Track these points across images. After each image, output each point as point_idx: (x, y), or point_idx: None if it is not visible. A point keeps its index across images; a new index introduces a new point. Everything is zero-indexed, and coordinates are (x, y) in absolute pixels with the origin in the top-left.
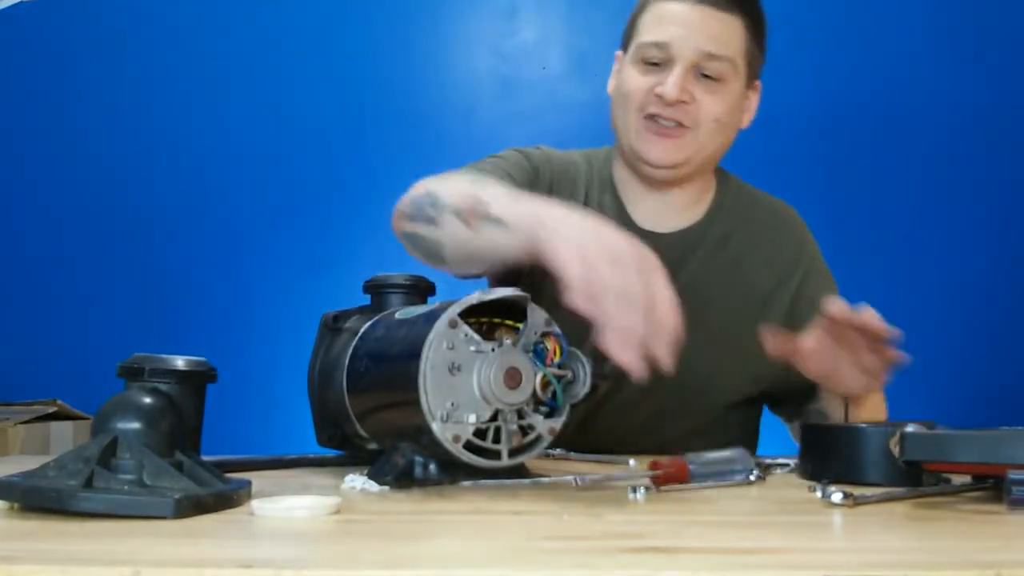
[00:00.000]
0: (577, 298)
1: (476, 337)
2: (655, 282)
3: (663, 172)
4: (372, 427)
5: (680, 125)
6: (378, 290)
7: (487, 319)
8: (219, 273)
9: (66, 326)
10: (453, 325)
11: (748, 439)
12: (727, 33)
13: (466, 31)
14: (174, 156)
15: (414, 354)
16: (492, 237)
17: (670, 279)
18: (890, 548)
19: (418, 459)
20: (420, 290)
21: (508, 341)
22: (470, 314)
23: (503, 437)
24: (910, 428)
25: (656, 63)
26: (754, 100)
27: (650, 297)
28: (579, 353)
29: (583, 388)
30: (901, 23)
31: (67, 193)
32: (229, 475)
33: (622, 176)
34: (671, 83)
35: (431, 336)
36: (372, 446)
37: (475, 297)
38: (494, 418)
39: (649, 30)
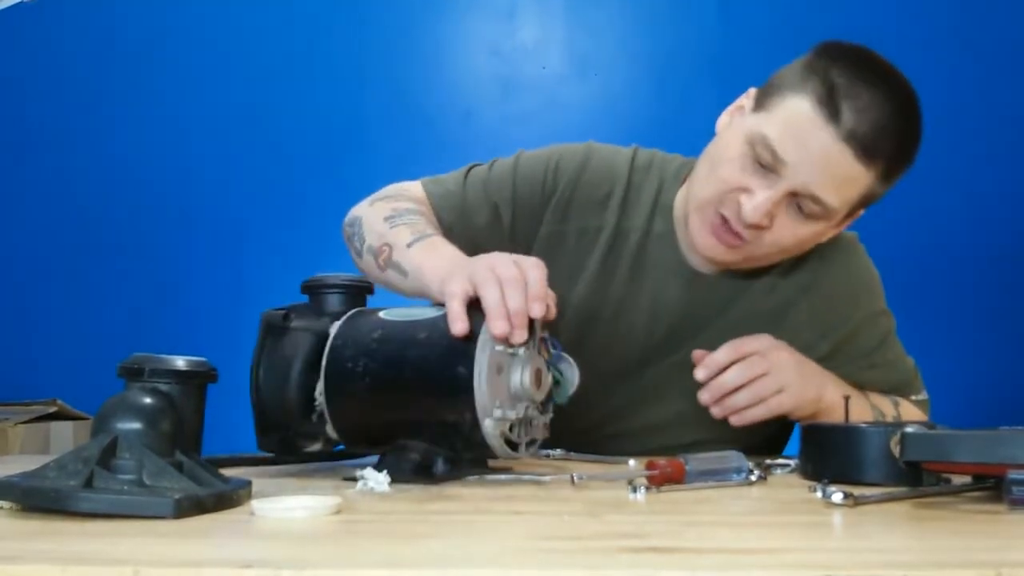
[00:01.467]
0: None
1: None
2: (526, 267)
3: (707, 265)
4: (356, 427)
5: (739, 236)
6: (317, 290)
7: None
8: (219, 273)
9: (66, 326)
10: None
11: (771, 444)
12: (848, 184)
13: (466, 31)
14: (174, 156)
15: (466, 355)
16: (394, 281)
17: (713, 318)
18: (890, 548)
19: (433, 455)
20: (359, 290)
21: (531, 344)
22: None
23: (524, 431)
24: (910, 428)
25: (762, 164)
26: (847, 225)
27: (523, 277)
28: (567, 356)
29: (571, 387)
30: (901, 25)
31: (67, 193)
32: (228, 473)
33: (685, 209)
34: (757, 206)
35: (482, 340)
36: (315, 447)
37: None
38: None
39: (778, 127)
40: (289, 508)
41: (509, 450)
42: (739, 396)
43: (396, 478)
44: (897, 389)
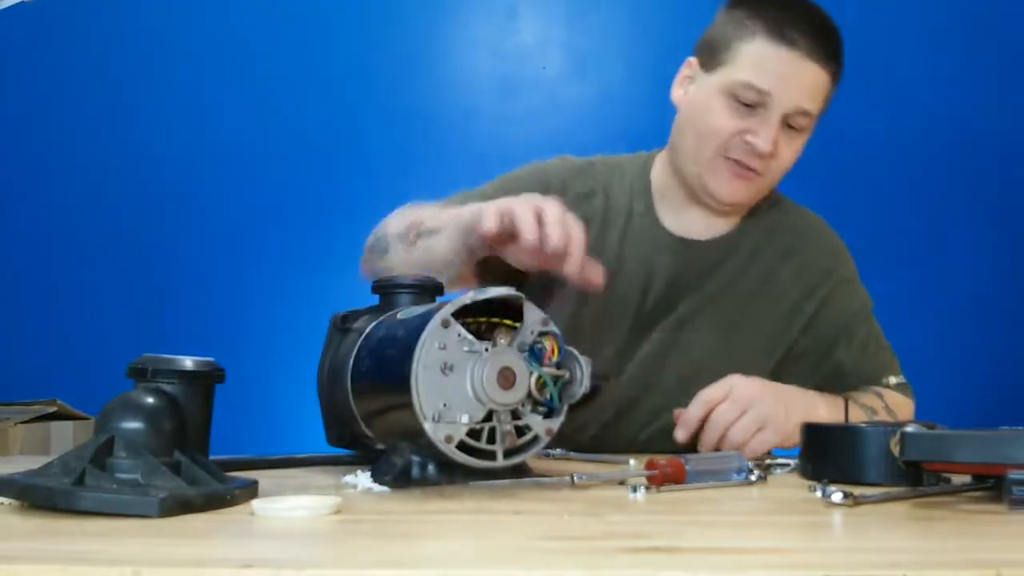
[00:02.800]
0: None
1: (469, 337)
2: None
3: (728, 208)
4: (375, 427)
5: (756, 172)
6: (386, 290)
7: (486, 319)
8: (220, 273)
9: (66, 326)
10: (446, 325)
11: None
12: (819, 89)
13: (466, 31)
14: (175, 156)
15: (407, 354)
16: (428, 245)
17: (701, 283)
18: (890, 548)
19: (417, 459)
20: (428, 289)
21: (503, 341)
22: (468, 314)
23: (497, 437)
24: (910, 428)
25: (748, 104)
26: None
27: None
28: (576, 353)
29: (581, 388)
30: (901, 22)
31: (67, 193)
32: (236, 474)
33: (663, 184)
34: (766, 138)
35: (423, 336)
36: (380, 445)
37: (468, 297)
38: (488, 418)
39: (750, 69)
40: (289, 508)
41: (470, 458)
42: (730, 434)
43: (379, 482)
44: (878, 371)
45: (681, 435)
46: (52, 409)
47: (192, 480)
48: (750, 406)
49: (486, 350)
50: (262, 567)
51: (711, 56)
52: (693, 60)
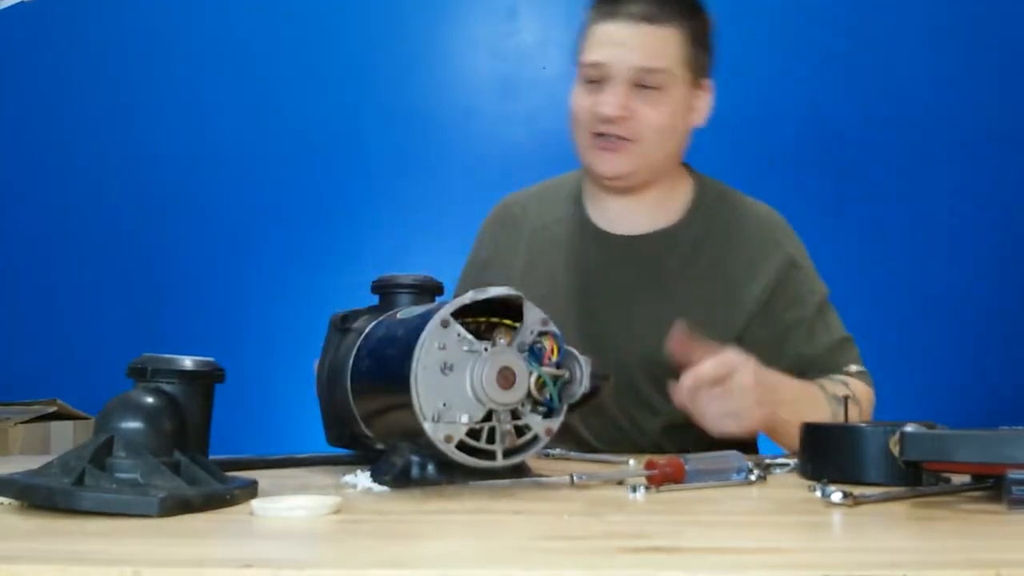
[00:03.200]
0: None
1: (469, 337)
2: None
3: (617, 183)
4: (375, 427)
5: (622, 139)
6: (385, 290)
7: (486, 319)
8: (220, 273)
9: (66, 326)
10: (445, 325)
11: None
12: (662, 46)
13: (466, 31)
14: (174, 156)
15: (407, 354)
16: None
17: (647, 278)
18: (890, 548)
19: (416, 459)
20: (428, 290)
21: (503, 341)
22: (468, 314)
23: (497, 437)
24: (910, 428)
25: (596, 81)
26: (704, 99)
27: None
28: (576, 353)
29: (580, 388)
30: (900, 26)
31: (67, 193)
32: (236, 474)
33: (590, 186)
34: (608, 101)
35: (423, 336)
36: (380, 445)
37: (468, 297)
38: (488, 418)
39: (588, 51)
40: (289, 508)
41: (470, 457)
42: (704, 403)
43: (379, 482)
44: (839, 360)
45: (682, 389)
46: (52, 409)
47: (192, 480)
48: (735, 394)
49: (486, 350)
50: (262, 567)
51: (576, 58)
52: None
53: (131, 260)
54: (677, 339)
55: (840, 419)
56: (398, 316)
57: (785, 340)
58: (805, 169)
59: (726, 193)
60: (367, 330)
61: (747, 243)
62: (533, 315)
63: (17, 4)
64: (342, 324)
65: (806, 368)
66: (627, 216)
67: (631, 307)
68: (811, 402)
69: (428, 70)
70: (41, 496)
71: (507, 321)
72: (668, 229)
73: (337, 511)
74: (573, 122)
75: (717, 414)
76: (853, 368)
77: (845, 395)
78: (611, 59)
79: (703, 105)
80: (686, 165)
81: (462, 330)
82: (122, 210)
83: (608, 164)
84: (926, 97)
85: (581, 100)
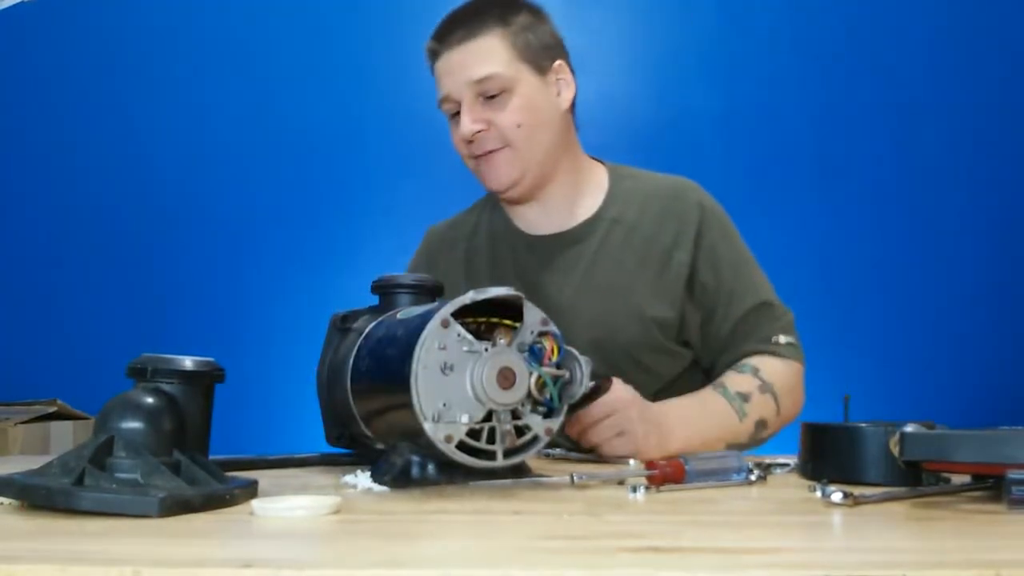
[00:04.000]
0: None
1: (469, 337)
2: None
3: (512, 193)
4: (375, 427)
5: (491, 151)
6: (385, 290)
7: (486, 319)
8: (219, 273)
9: (66, 326)
10: (445, 325)
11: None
12: (487, 53)
13: None
14: (174, 156)
15: (407, 354)
16: None
17: (579, 271)
18: (890, 548)
19: (416, 459)
20: (428, 290)
21: (503, 341)
22: (468, 314)
23: (497, 437)
24: (910, 428)
25: (456, 113)
26: (565, 78)
27: None
28: (576, 353)
29: (580, 388)
30: (900, 25)
31: (67, 193)
32: (236, 474)
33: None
34: (463, 124)
35: (423, 336)
36: (379, 445)
37: (468, 297)
38: (488, 418)
39: (438, 89)
40: (289, 508)
41: (470, 458)
42: (590, 432)
43: (379, 482)
44: (764, 332)
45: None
46: (52, 409)
47: (192, 480)
48: (615, 412)
49: (486, 350)
50: (262, 567)
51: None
52: None
53: (131, 260)
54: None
55: (746, 415)
56: (398, 316)
57: (710, 317)
58: (804, 169)
59: (636, 174)
60: (367, 330)
61: (663, 212)
62: (533, 315)
63: (17, 4)
64: (342, 324)
65: (728, 339)
66: (547, 218)
67: (568, 299)
68: (706, 410)
69: (427, 70)
70: (41, 496)
71: (507, 321)
72: (587, 220)
73: (337, 511)
74: (462, 159)
75: (606, 437)
76: (782, 339)
77: (846, 396)
78: (449, 89)
79: (564, 86)
80: (597, 159)
81: (462, 330)
82: (122, 210)
83: (492, 178)
84: (927, 97)
85: (453, 134)
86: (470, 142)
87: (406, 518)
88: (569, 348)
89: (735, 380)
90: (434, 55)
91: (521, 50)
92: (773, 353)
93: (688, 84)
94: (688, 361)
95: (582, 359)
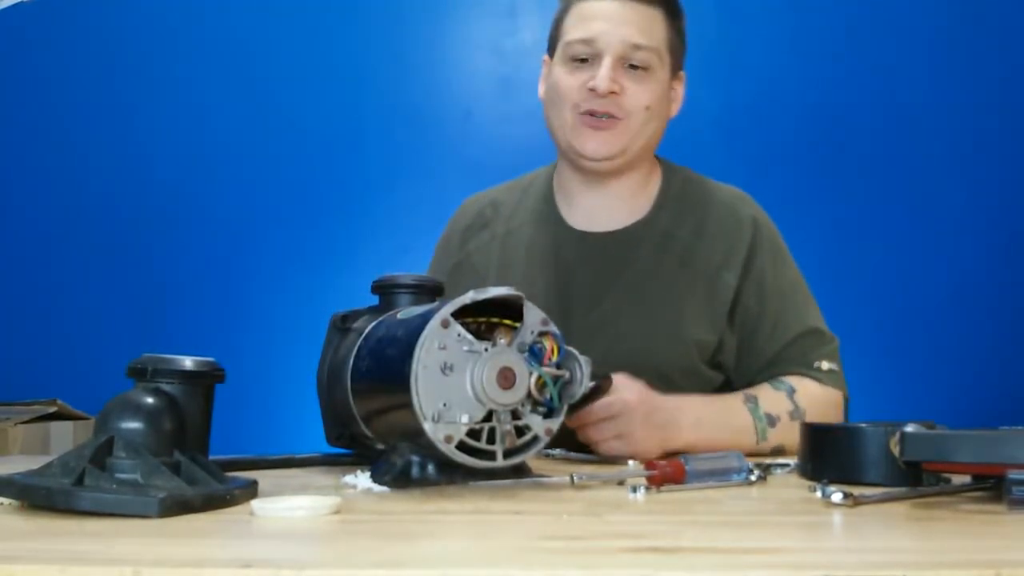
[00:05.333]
0: None
1: (469, 337)
2: None
3: (602, 164)
4: (375, 427)
5: (612, 117)
6: (385, 290)
7: (486, 319)
8: (220, 273)
9: (66, 326)
10: (445, 325)
11: None
12: (650, 24)
13: (466, 31)
14: (174, 156)
15: (407, 354)
16: None
17: (621, 276)
18: (890, 548)
19: (416, 459)
20: (428, 290)
21: (503, 341)
22: (468, 314)
23: (497, 437)
24: (910, 428)
25: (584, 59)
26: (680, 90)
27: None
28: (576, 353)
29: (581, 388)
30: (900, 24)
31: (67, 193)
32: (236, 474)
33: (563, 181)
34: (602, 76)
35: (423, 336)
36: (380, 446)
37: (468, 297)
38: (488, 418)
39: (575, 28)
40: (289, 508)
41: (470, 458)
42: (591, 431)
43: (379, 482)
44: (804, 355)
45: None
46: (52, 409)
47: (192, 480)
48: (618, 415)
49: (486, 350)
50: (262, 567)
51: (552, 43)
52: (546, 56)
53: (131, 260)
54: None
55: (766, 440)
56: (398, 316)
57: (754, 333)
58: (805, 168)
59: (692, 180)
60: (367, 330)
61: (717, 229)
62: (533, 315)
63: (17, 4)
64: (342, 324)
65: (768, 364)
66: (599, 212)
67: (607, 307)
68: (725, 421)
69: (428, 70)
70: (41, 496)
71: (507, 321)
72: (638, 223)
73: (337, 511)
74: (555, 104)
75: (604, 438)
76: (825, 365)
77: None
78: (602, 34)
79: (679, 96)
80: (655, 155)
81: (462, 330)
82: (122, 210)
83: (598, 143)
84: (927, 96)
85: (566, 79)
86: (599, 96)
87: (406, 518)
88: (569, 348)
89: (769, 397)
90: None
91: (673, 42)
92: (815, 379)
93: (688, 84)
94: (717, 384)
95: (582, 359)
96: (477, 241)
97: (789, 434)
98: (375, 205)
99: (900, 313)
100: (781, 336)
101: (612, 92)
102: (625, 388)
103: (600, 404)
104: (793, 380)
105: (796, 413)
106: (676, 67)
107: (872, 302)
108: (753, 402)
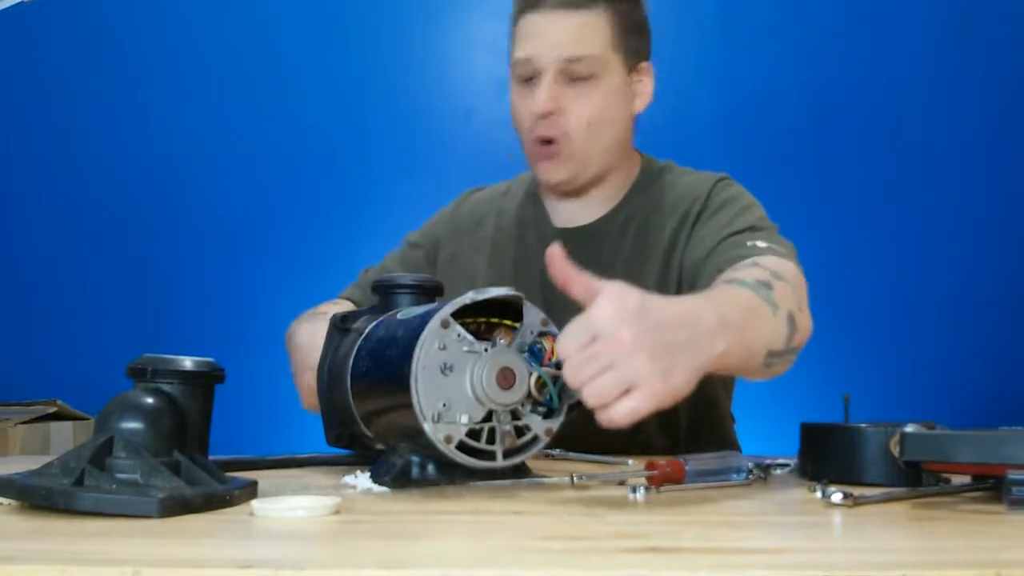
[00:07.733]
0: None
1: (469, 337)
2: None
3: (561, 187)
4: (375, 427)
5: (552, 142)
6: (385, 290)
7: (485, 319)
8: (220, 273)
9: (66, 326)
10: (445, 325)
11: (707, 416)
12: (588, 31)
13: (466, 31)
14: (174, 156)
15: (407, 354)
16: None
17: (599, 264)
18: (890, 548)
19: (416, 459)
20: (427, 290)
21: (502, 341)
22: (468, 314)
23: (497, 438)
24: (910, 428)
25: (530, 78)
26: (647, 82)
27: None
28: None
29: None
30: (900, 24)
31: (67, 193)
32: (236, 474)
33: (544, 188)
34: (539, 97)
35: (423, 336)
36: (380, 446)
37: (468, 297)
38: (488, 418)
39: (517, 47)
40: (289, 508)
41: (470, 458)
42: (587, 398)
43: (379, 483)
44: (733, 244)
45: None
46: (52, 409)
47: (191, 480)
48: (615, 362)
49: (486, 350)
50: (262, 567)
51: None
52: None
53: (131, 260)
54: (556, 266)
55: (777, 307)
56: (398, 316)
57: (695, 258)
58: (804, 168)
59: (665, 169)
60: (367, 330)
61: (676, 199)
62: (533, 315)
63: (17, 4)
64: (342, 324)
65: (710, 254)
66: (578, 211)
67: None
68: (752, 313)
69: (428, 70)
70: (40, 496)
71: (507, 321)
72: (603, 216)
73: (337, 511)
74: (515, 126)
75: (590, 375)
76: (761, 244)
77: (846, 396)
78: (536, 53)
79: (645, 90)
80: (636, 150)
81: (462, 330)
82: (122, 210)
83: (547, 171)
84: (927, 95)
85: (518, 103)
86: (542, 119)
87: (406, 518)
88: None
89: (743, 272)
90: (526, 6)
91: (620, 38)
92: (754, 255)
93: (687, 84)
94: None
95: None
96: (470, 238)
97: (787, 296)
98: (375, 205)
99: (900, 313)
100: (719, 234)
101: (550, 112)
102: (609, 323)
103: (577, 363)
104: (748, 258)
105: (776, 275)
106: (636, 60)
107: (872, 302)
108: (736, 281)
